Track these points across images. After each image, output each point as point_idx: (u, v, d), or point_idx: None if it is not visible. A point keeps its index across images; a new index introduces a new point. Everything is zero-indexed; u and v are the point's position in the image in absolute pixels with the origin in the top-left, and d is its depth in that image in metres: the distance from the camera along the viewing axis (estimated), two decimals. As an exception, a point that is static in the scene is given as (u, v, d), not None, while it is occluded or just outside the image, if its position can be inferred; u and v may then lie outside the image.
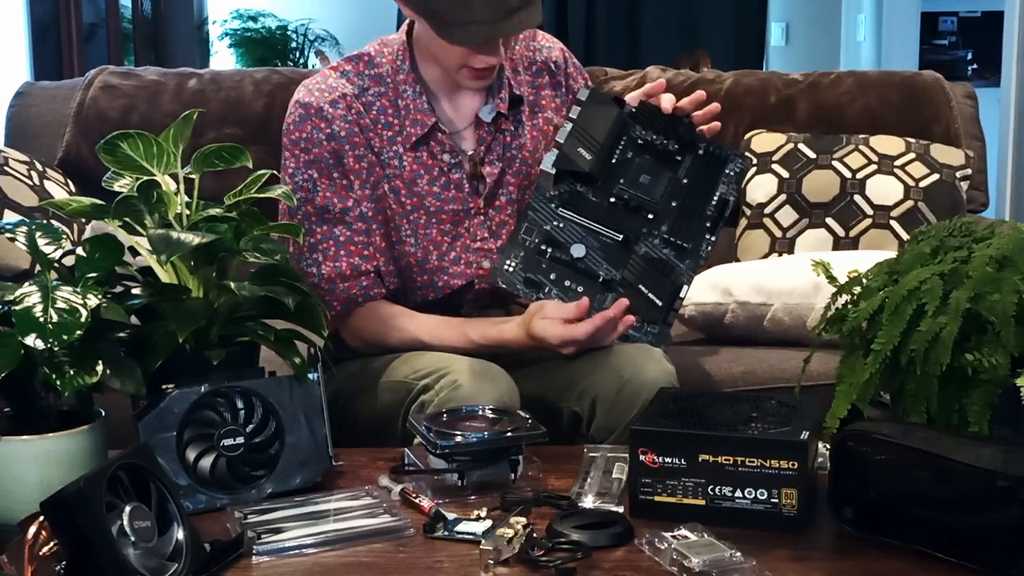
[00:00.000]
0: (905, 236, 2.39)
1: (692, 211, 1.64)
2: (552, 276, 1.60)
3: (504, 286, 1.68)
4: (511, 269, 1.68)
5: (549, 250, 1.63)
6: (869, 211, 2.45)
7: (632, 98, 1.70)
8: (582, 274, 1.61)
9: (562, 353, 1.67)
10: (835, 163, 2.50)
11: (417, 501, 1.36)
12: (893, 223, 2.44)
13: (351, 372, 1.75)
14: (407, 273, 1.80)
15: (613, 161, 1.65)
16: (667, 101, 1.65)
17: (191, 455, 1.37)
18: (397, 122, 1.76)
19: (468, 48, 1.66)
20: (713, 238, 1.65)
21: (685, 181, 1.64)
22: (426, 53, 1.75)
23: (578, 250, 1.61)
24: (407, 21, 1.79)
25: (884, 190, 2.46)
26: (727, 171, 1.65)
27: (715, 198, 1.64)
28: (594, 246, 1.61)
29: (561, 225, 1.62)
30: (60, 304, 1.26)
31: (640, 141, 1.65)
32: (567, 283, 1.59)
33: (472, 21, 1.61)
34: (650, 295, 1.61)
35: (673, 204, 1.64)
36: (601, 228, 1.63)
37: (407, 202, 1.76)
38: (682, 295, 1.63)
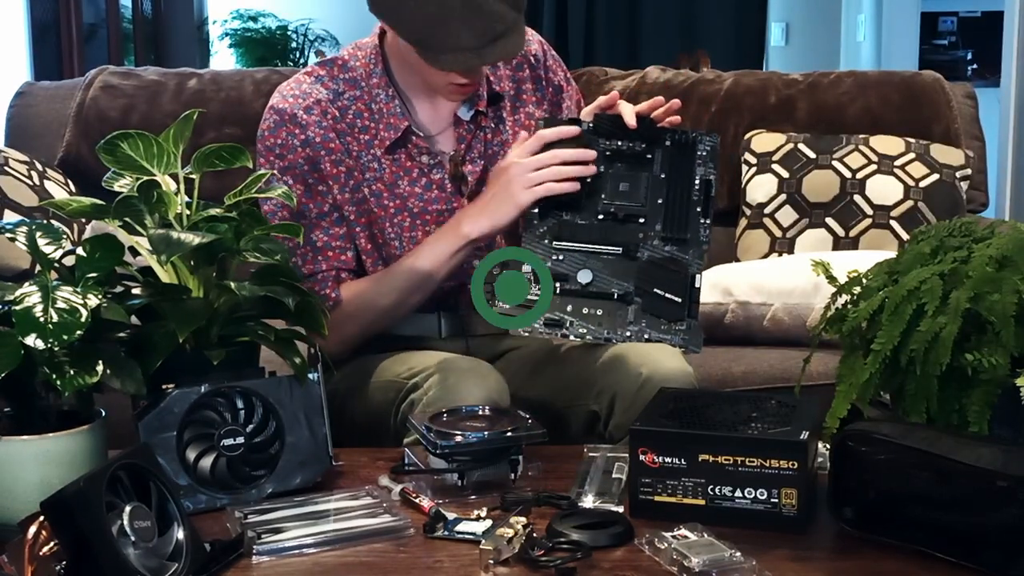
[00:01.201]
0: (905, 236, 2.39)
1: (679, 202, 1.64)
2: (569, 308, 1.60)
3: (526, 333, 1.66)
4: None
5: (557, 285, 1.63)
6: (869, 211, 2.45)
7: (586, 113, 1.70)
8: (597, 297, 1.61)
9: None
10: (835, 163, 2.51)
11: (417, 501, 1.37)
12: (893, 223, 2.44)
13: (346, 372, 1.75)
14: None
15: (588, 180, 1.65)
16: (629, 116, 1.64)
17: (191, 455, 1.37)
18: (373, 126, 1.75)
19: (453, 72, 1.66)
20: (708, 221, 1.65)
21: (663, 176, 1.64)
22: (403, 60, 1.74)
23: (585, 276, 1.61)
24: (378, 24, 1.78)
25: (884, 190, 2.47)
26: (699, 152, 1.65)
27: (696, 182, 1.64)
28: (598, 267, 1.61)
29: (561, 258, 1.62)
30: (60, 304, 1.26)
31: (608, 152, 1.65)
32: (585, 311, 1.59)
33: (458, 48, 1.60)
34: (667, 295, 1.60)
35: (659, 202, 1.63)
36: (599, 247, 1.62)
37: (390, 204, 1.76)
38: (697, 284, 1.62)
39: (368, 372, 1.75)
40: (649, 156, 1.66)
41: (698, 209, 1.64)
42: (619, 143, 1.66)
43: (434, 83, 1.71)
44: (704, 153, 1.65)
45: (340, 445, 1.50)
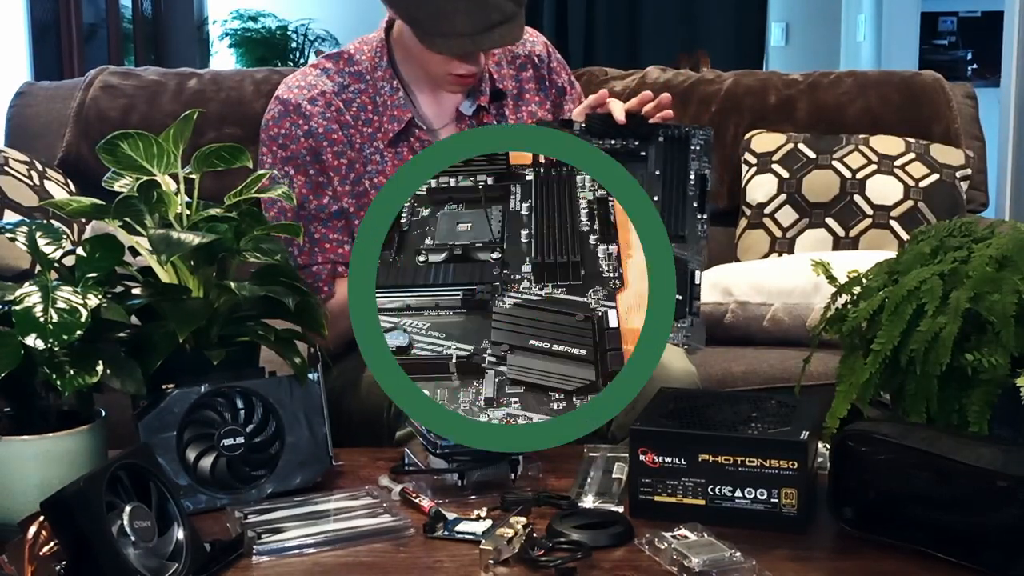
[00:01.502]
0: (905, 236, 2.39)
1: (675, 199, 1.64)
2: None
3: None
4: None
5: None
6: (869, 211, 2.45)
7: (577, 114, 1.71)
8: None
9: None
10: (835, 163, 2.51)
11: (417, 501, 1.36)
12: (893, 223, 2.44)
13: (342, 369, 1.75)
14: None
15: None
16: (619, 112, 1.64)
17: (191, 455, 1.37)
18: (376, 119, 1.77)
19: (448, 57, 1.67)
20: (704, 216, 1.64)
21: (658, 173, 1.64)
22: (407, 52, 1.76)
23: None
24: (385, 18, 1.80)
25: (884, 190, 2.47)
26: (692, 147, 1.65)
27: (691, 177, 1.64)
28: None
29: None
30: (60, 304, 1.26)
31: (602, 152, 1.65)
32: None
33: (453, 33, 1.63)
34: None
35: (655, 199, 1.63)
36: None
37: None
38: (697, 281, 1.62)
39: (362, 367, 1.75)
40: (643, 153, 1.65)
41: (694, 204, 1.63)
42: (612, 142, 1.66)
43: (434, 73, 1.72)
44: (698, 147, 1.65)
45: (336, 440, 1.51)
